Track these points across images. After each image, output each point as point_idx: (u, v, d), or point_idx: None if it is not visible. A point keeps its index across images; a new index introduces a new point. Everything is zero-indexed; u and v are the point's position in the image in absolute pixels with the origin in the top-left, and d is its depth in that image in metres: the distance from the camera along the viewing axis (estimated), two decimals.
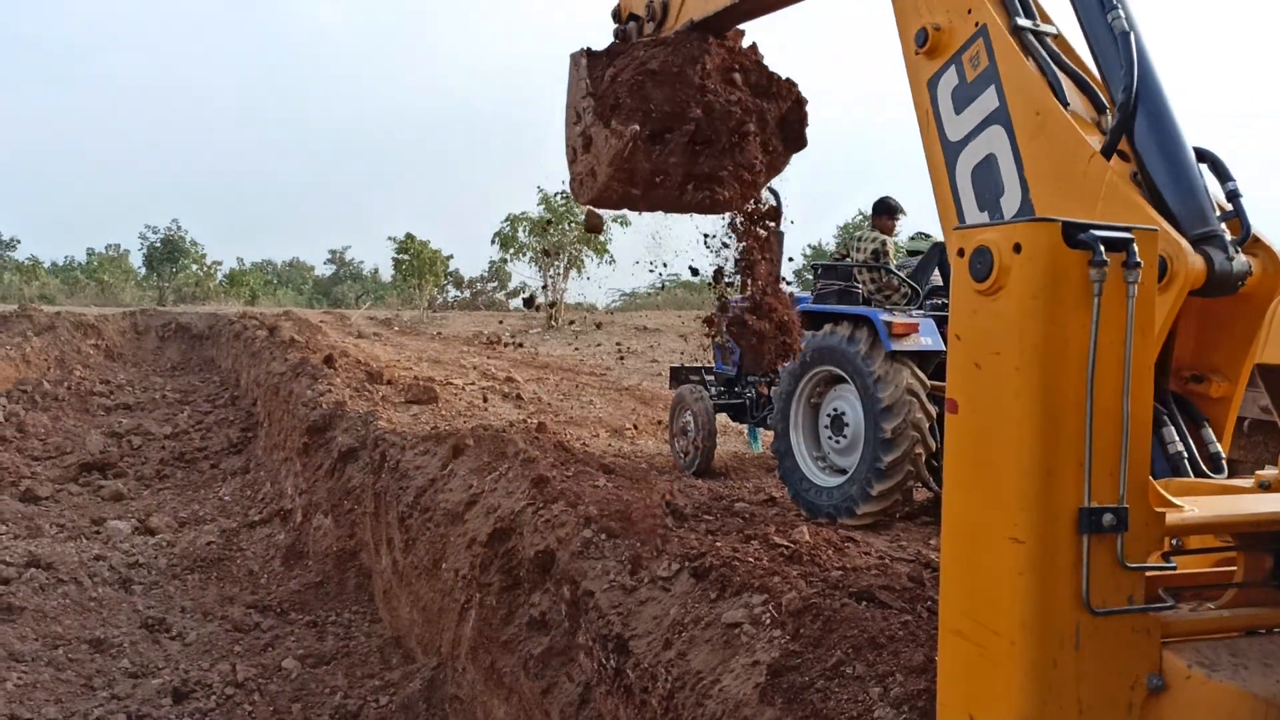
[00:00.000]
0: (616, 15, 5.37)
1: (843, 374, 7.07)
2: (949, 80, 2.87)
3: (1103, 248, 1.74)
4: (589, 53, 5.07)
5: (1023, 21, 2.82)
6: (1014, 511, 1.71)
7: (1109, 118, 2.76)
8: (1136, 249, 1.78)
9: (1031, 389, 1.71)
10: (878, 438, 6.68)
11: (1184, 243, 2.82)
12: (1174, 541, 1.94)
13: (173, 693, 7.89)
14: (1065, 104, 2.66)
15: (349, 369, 13.55)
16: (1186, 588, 1.96)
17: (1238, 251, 3.15)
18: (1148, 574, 1.79)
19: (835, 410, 7.22)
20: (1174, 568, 1.82)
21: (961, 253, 1.87)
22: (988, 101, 2.72)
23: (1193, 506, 1.90)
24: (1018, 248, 1.76)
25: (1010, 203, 2.63)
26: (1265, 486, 2.39)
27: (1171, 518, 1.82)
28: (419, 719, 7.61)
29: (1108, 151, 2.47)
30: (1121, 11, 2.83)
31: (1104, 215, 2.37)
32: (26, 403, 17.21)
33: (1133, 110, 2.54)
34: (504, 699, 7.06)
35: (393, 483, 9.62)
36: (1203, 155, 3.00)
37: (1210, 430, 3.17)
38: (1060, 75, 2.85)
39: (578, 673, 6.61)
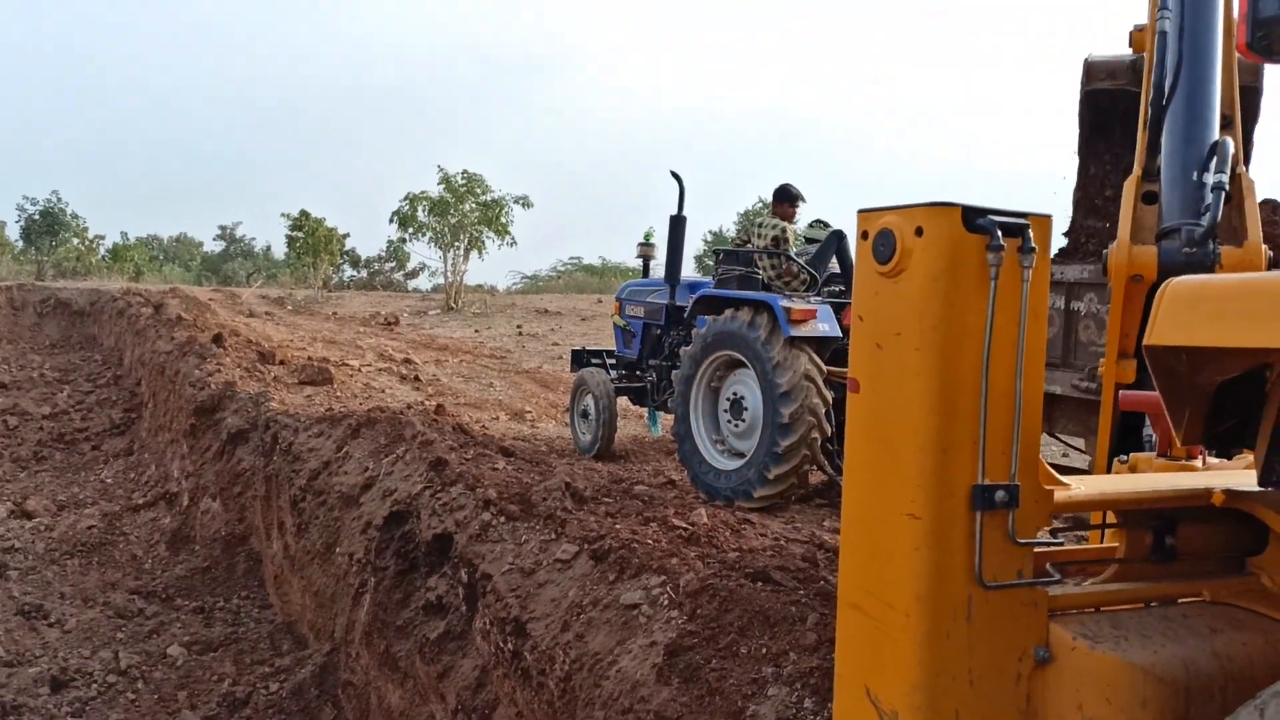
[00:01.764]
0: None
1: (742, 359, 7.15)
2: None
3: (1000, 232, 1.79)
4: None
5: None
6: (911, 488, 1.75)
7: None
8: (1031, 234, 1.83)
9: (930, 369, 1.75)
10: (775, 422, 6.78)
11: (1123, 237, 2.96)
12: (1067, 520, 2.01)
13: (51, 681, 7.58)
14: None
15: (239, 349, 13.16)
16: (1072, 563, 2.04)
17: (1207, 243, 3.27)
18: (1036, 549, 1.85)
19: (734, 394, 7.30)
20: (1061, 544, 1.90)
21: (865, 235, 1.90)
22: None
23: (1079, 485, 1.97)
24: (919, 231, 1.80)
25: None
26: (1124, 463, 2.52)
27: (1059, 495, 1.88)
28: (311, 705, 7.47)
29: (1152, 147, 2.59)
30: (1171, 10, 2.99)
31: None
32: None
33: (1165, 105, 2.62)
34: (399, 683, 6.98)
35: (285, 465, 9.39)
36: (1213, 148, 3.13)
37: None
38: None
39: (475, 656, 6.56)
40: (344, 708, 7.42)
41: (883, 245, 1.84)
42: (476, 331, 19.95)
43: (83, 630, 8.52)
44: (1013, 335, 1.80)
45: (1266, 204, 6.89)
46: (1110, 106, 6.73)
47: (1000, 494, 1.76)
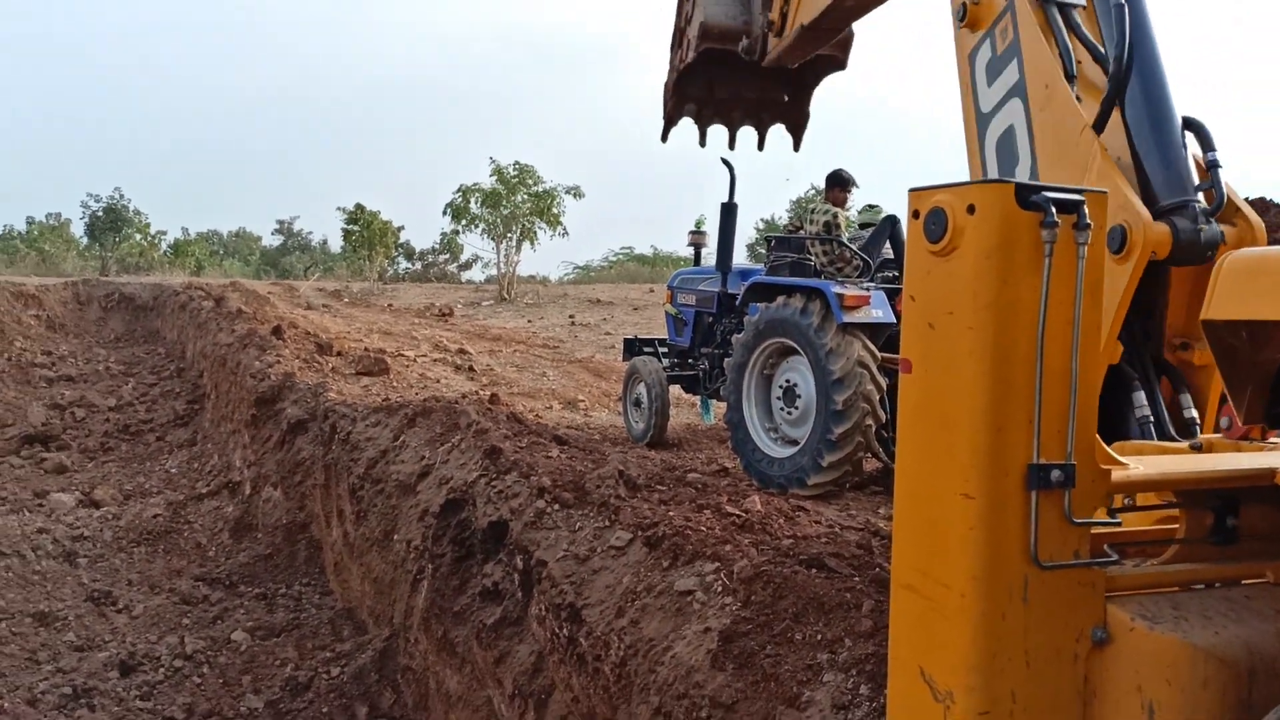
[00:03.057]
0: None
1: (795, 346, 7.12)
2: (984, 53, 2.92)
3: (1054, 209, 1.77)
4: None
5: None
6: (965, 468, 1.74)
7: None
8: (1087, 211, 1.81)
9: (983, 348, 1.74)
10: (829, 409, 6.74)
11: (1145, 213, 2.87)
12: (1126, 500, 1.99)
13: (120, 665, 7.80)
14: (1072, 77, 2.69)
15: (298, 340, 13.38)
16: (1130, 544, 2.01)
17: (1209, 221, 3.20)
18: (1093, 530, 1.83)
19: (787, 382, 7.27)
20: (1119, 524, 1.87)
21: (917, 214, 1.88)
22: (1011, 74, 2.76)
23: (1138, 465, 1.94)
24: (971, 209, 1.78)
25: (1022, 174, 2.67)
26: (1197, 448, 2.46)
27: (1117, 475, 1.86)
28: (371, 689, 7.60)
29: (1099, 123, 2.50)
30: None
31: (1090, 185, 2.42)
32: None
33: (1123, 82, 2.56)
34: (456, 669, 7.07)
35: (344, 454, 9.54)
36: (1189, 124, 3.03)
37: (1189, 396, 3.24)
38: (1078, 48, 2.90)
39: (531, 642, 6.62)
40: (403, 692, 7.54)
41: (934, 224, 1.83)
42: (529, 322, 20.07)
43: (150, 616, 8.74)
44: (1068, 313, 1.78)
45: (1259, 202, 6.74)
46: None
47: (1056, 473, 1.75)
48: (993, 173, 2.84)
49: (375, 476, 9.02)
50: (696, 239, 9.74)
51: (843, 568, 5.37)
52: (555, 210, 25.84)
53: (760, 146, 6.93)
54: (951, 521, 1.75)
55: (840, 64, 6.28)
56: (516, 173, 25.65)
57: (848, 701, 4.38)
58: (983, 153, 2.89)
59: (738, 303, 8.31)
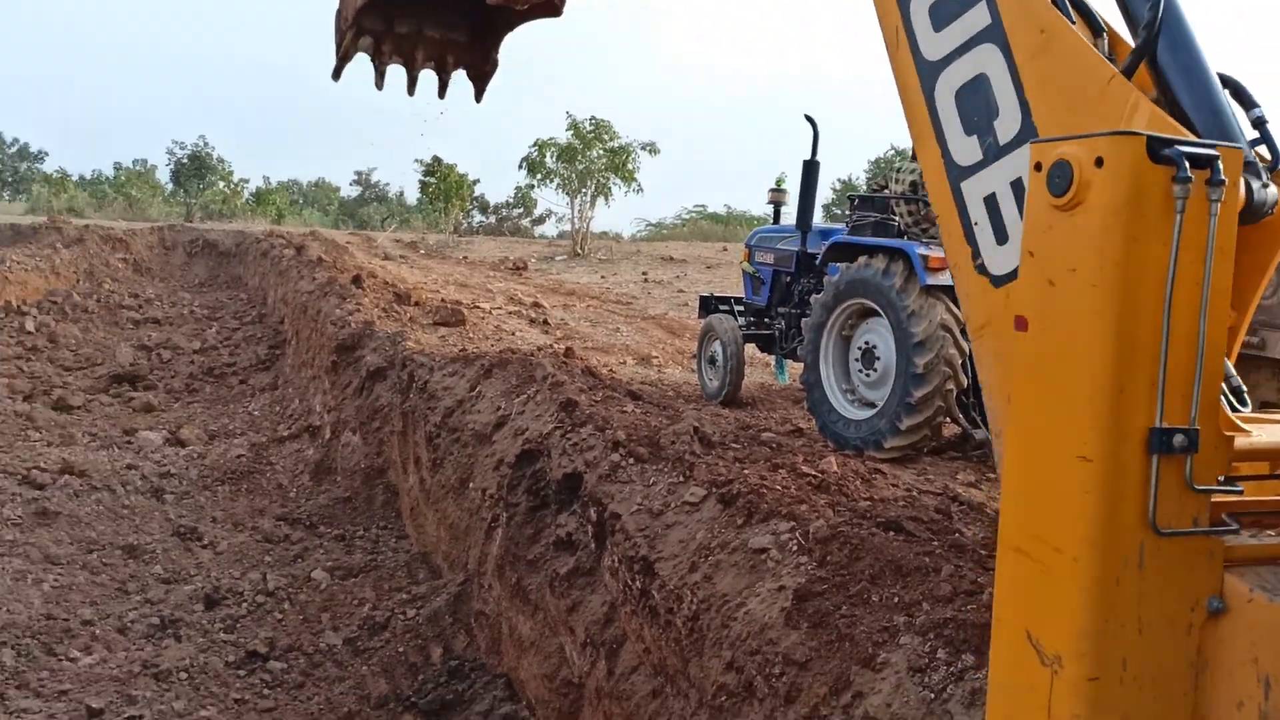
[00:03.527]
0: None
1: (876, 307, 7.03)
2: None
3: (1187, 163, 1.70)
4: None
5: None
6: (1083, 430, 1.69)
7: (1104, 41, 2.63)
8: (1221, 166, 1.73)
9: (1108, 307, 1.68)
10: (909, 372, 6.65)
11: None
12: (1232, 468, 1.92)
13: (205, 599, 8.07)
14: (1071, 21, 2.51)
15: (377, 290, 13.58)
16: (1246, 513, 1.95)
17: (1267, 178, 3.02)
18: (1213, 497, 1.77)
19: (866, 343, 7.19)
20: (1240, 492, 1.81)
21: (1039, 166, 1.82)
22: (977, 18, 2.48)
23: (1261, 432, 1.88)
24: (1099, 161, 1.72)
25: (1006, 125, 2.43)
26: None
27: (1240, 442, 1.80)
28: (445, 632, 7.76)
29: (1129, 72, 2.32)
30: None
31: None
32: (57, 314, 17.38)
33: (1159, 28, 2.39)
34: (529, 615, 7.18)
35: (421, 403, 9.69)
36: (1225, 81, 2.86)
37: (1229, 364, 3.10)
38: None
39: (603, 592, 6.70)
40: (476, 636, 7.69)
41: (1058, 176, 1.76)
42: (603, 278, 20.11)
43: (233, 552, 9.02)
44: (1198, 274, 1.72)
45: None
46: None
47: (1179, 438, 1.69)
48: (950, 124, 2.54)
49: (452, 425, 9.15)
50: (776, 197, 9.63)
51: (921, 531, 5.33)
52: (630, 166, 25.75)
53: (441, 93, 5.67)
54: (1067, 484, 1.71)
55: (556, 8, 5.17)
56: (593, 128, 25.60)
57: (924, 665, 4.36)
58: (932, 103, 2.61)
59: (817, 262, 8.21)
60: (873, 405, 7.09)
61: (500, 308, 13.85)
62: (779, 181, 9.44)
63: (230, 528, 9.48)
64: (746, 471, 6.33)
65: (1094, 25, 2.52)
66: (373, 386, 10.79)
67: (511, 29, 5.60)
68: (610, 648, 6.39)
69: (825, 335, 7.42)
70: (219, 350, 15.91)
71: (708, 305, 9.87)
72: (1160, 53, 2.37)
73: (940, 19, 2.51)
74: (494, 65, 5.56)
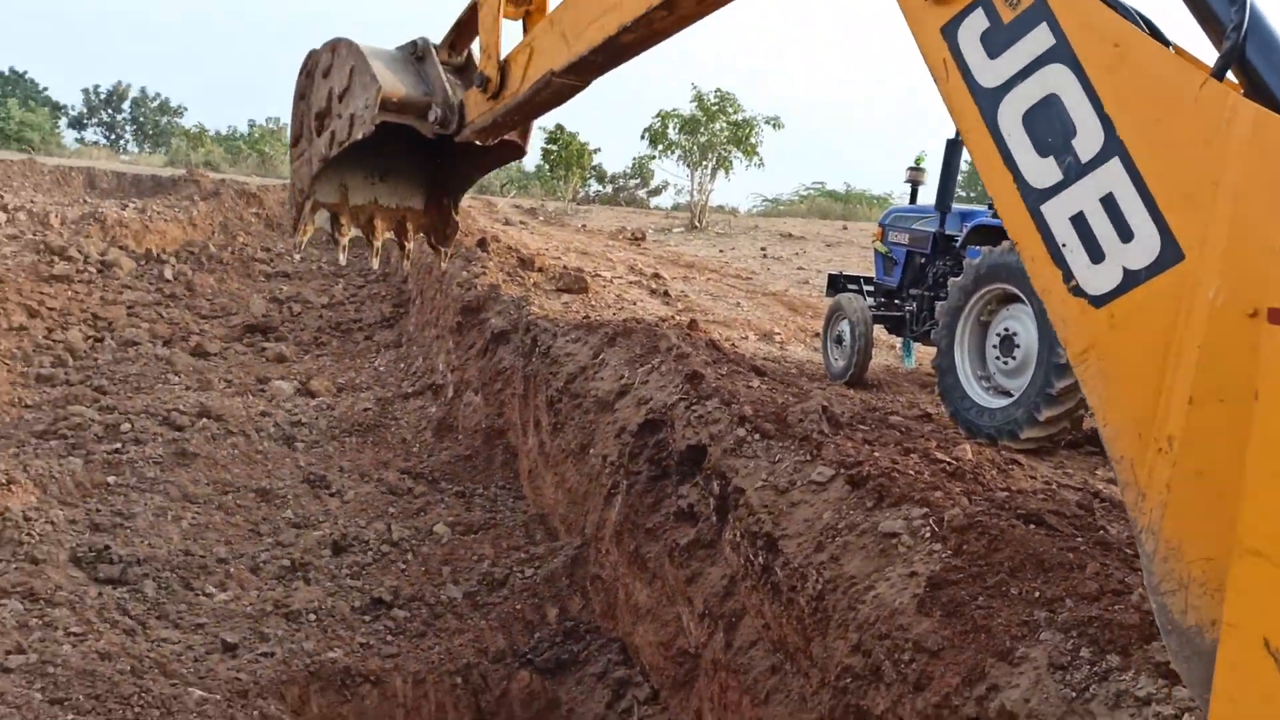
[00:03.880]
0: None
1: (1018, 293, 6.81)
2: (974, 24, 2.51)
3: None
4: None
5: None
6: None
7: (1172, 51, 2.47)
8: None
9: None
10: (1052, 362, 6.44)
11: None
12: None
13: (333, 545, 8.35)
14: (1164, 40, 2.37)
15: (501, 254, 13.76)
16: None
17: None
18: None
19: (1006, 330, 6.98)
20: None
21: None
22: (1038, 41, 2.35)
23: None
24: None
25: (1087, 143, 2.29)
26: None
27: None
28: (562, 593, 7.88)
29: (1220, 75, 2.18)
30: None
31: (1240, 142, 2.07)
32: (193, 264, 18.11)
33: (1248, 28, 2.23)
34: (647, 583, 7.24)
35: (543, 367, 9.81)
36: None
37: None
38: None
39: (723, 565, 6.70)
40: (592, 599, 7.79)
41: None
42: (720, 251, 20.01)
43: (359, 502, 9.30)
44: None
45: None
46: None
47: None
48: (1020, 148, 2.41)
49: (574, 391, 9.24)
50: (914, 176, 9.40)
51: (1064, 526, 5.17)
52: (753, 140, 25.51)
53: (404, 259, 5.32)
54: None
55: (521, 150, 4.77)
56: (717, 100, 25.41)
57: (1067, 662, 4.24)
58: (995, 130, 2.47)
59: (957, 244, 8.00)
60: (1009, 394, 6.89)
61: (620, 277, 13.91)
62: (918, 160, 9.15)
63: (357, 478, 9.78)
64: (877, 454, 6.23)
65: (1160, 37, 2.39)
66: (496, 349, 10.97)
67: (472, 183, 5.29)
68: (729, 621, 6.40)
69: (962, 320, 7.24)
70: (345, 306, 16.38)
71: (836, 284, 9.73)
72: (1250, 53, 2.23)
73: (995, 46, 2.41)
74: (454, 227, 5.23)
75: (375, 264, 5.18)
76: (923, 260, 8.71)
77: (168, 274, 17.27)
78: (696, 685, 6.54)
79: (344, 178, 4.86)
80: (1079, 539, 5.04)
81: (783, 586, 5.92)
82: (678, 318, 10.48)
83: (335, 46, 4.54)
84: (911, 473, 5.91)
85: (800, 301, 13.91)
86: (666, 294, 13.13)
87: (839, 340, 8.93)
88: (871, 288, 9.40)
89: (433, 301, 13.77)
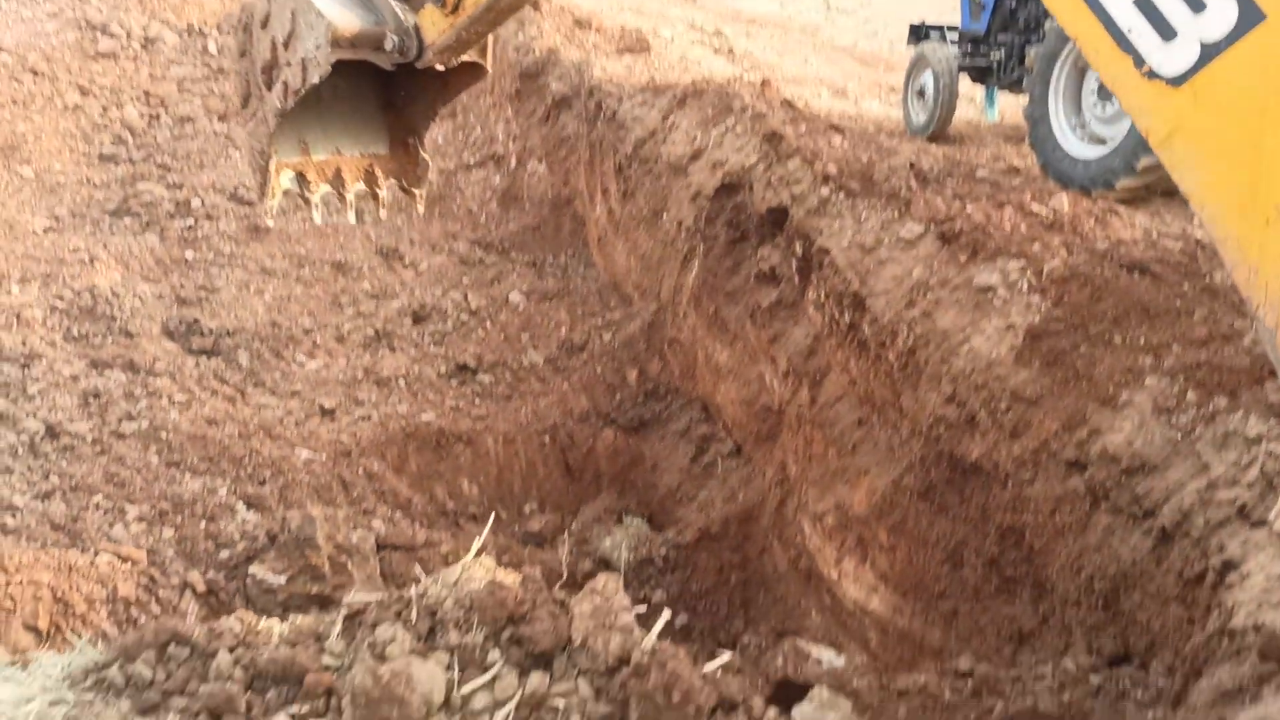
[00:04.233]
0: None
1: None
2: None
3: None
4: None
5: None
6: None
7: None
8: None
9: None
10: None
11: None
12: None
13: (412, 314, 8.49)
14: None
15: (555, 15, 13.15)
16: None
17: None
18: None
19: None
20: None
21: None
22: None
23: None
24: None
25: None
26: None
27: None
28: (640, 356, 7.99)
29: None
30: None
31: None
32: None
33: None
34: (727, 344, 7.30)
35: (609, 133, 9.56)
36: None
37: None
38: None
39: (806, 325, 6.71)
40: (670, 362, 7.90)
41: None
42: (781, 5, 18.99)
43: (434, 273, 9.37)
44: None
45: None
46: None
47: None
48: None
49: (643, 156, 9.03)
50: None
51: (1169, 274, 5.04)
52: None
53: (378, 212, 4.83)
54: None
55: (484, 70, 4.41)
56: None
57: (1172, 406, 4.24)
58: None
59: None
60: (1105, 142, 6.60)
61: (680, 35, 13.30)
62: None
63: (428, 249, 9.81)
64: (969, 209, 6.06)
65: None
66: (558, 115, 10.68)
67: (435, 116, 4.79)
68: (814, 378, 6.47)
69: (1058, 65, 6.85)
70: None
71: (918, 33, 9.21)
72: None
73: None
74: (425, 166, 4.77)
75: (352, 218, 4.65)
76: (1014, 3, 8.18)
77: (211, 48, 16.82)
78: (780, 439, 6.70)
79: (301, 133, 4.45)
80: (1185, 286, 4.93)
81: (870, 343, 5.93)
82: (747, 76, 10.06)
83: None
84: (1006, 226, 5.76)
85: (871, 55, 13.29)
86: (730, 52, 12.58)
87: (921, 93, 8.55)
88: (956, 35, 8.89)
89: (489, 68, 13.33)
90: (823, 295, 6.43)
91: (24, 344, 6.76)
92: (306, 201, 4.54)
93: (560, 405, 7.50)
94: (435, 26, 3.90)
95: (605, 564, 6.18)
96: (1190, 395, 4.23)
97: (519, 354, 8.01)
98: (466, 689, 2.31)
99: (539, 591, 2.40)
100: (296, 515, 4.96)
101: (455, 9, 3.83)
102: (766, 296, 7.02)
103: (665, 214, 8.64)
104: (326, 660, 2.50)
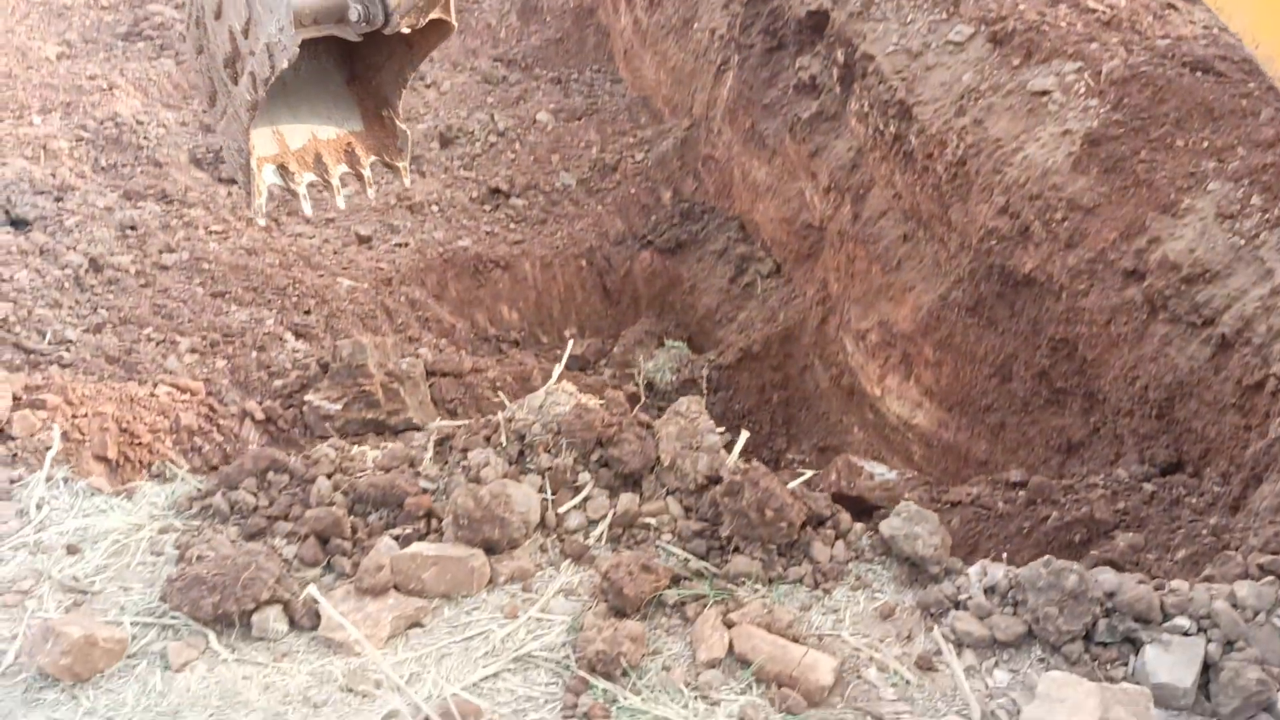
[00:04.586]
0: None
1: None
2: None
3: None
4: None
5: None
6: None
7: None
8: None
9: None
10: None
11: None
12: None
13: (439, 137, 8.30)
14: None
15: None
16: None
17: None
18: None
19: None
20: None
21: None
22: None
23: None
24: None
25: None
26: None
27: None
28: (673, 175, 7.85)
29: None
30: None
31: None
32: None
33: None
34: (765, 160, 7.13)
35: None
36: None
37: None
38: None
39: (849, 138, 6.53)
40: (705, 180, 7.76)
41: None
42: None
43: (457, 93, 9.11)
44: None
45: None
46: None
47: None
48: None
49: None
50: None
51: (1233, 73, 4.82)
52: None
53: (365, 189, 4.57)
54: None
55: (451, 26, 4.19)
56: None
57: (1236, 211, 4.13)
58: None
59: None
60: None
61: None
62: None
63: (449, 68, 9.51)
64: (1021, 6, 5.77)
65: None
66: None
67: (406, 82, 4.47)
68: (856, 193, 6.34)
69: None
70: None
71: None
72: None
73: None
74: (404, 137, 4.49)
75: (340, 203, 4.42)
76: None
77: None
78: (821, 257, 6.63)
79: (273, 122, 4.20)
80: (1250, 85, 4.72)
81: (917, 154, 5.77)
82: None
83: None
84: (1062, 24, 5.49)
85: None
86: None
87: None
88: None
89: None
90: (866, 105, 6.23)
91: (54, 176, 6.67)
92: (293, 194, 4.36)
93: (595, 228, 7.42)
94: None
95: (649, 387, 6.25)
96: (1255, 200, 4.12)
97: (550, 176, 7.87)
98: (562, 509, 2.36)
99: (624, 414, 2.42)
100: (347, 344, 4.98)
101: None
102: (806, 108, 6.80)
103: (696, 22, 8.30)
104: (423, 484, 2.56)
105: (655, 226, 7.49)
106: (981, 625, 2.32)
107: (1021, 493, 4.09)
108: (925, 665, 2.36)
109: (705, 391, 6.41)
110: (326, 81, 4.42)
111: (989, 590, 2.36)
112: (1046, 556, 2.32)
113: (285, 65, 3.65)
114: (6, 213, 6.23)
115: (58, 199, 6.42)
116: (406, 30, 3.86)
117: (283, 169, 4.22)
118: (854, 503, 4.14)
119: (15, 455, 3.71)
